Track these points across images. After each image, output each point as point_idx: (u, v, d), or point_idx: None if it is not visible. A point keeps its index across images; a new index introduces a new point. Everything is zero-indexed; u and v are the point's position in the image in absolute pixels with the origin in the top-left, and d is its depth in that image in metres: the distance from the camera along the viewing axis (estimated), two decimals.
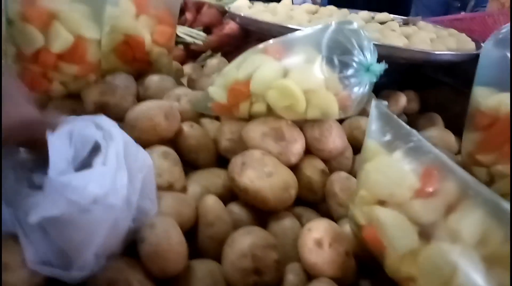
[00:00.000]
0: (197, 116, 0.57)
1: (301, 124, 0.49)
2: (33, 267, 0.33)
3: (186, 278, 0.36)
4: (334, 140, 0.49)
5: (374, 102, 0.38)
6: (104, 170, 0.34)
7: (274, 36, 0.52)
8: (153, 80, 0.60)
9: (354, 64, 0.44)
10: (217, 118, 0.59)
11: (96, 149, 0.37)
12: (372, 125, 0.37)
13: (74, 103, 0.53)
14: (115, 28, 0.59)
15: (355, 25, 0.47)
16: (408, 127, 0.36)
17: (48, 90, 0.52)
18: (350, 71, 0.44)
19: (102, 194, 0.32)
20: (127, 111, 0.49)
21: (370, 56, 0.45)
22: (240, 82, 0.49)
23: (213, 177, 0.49)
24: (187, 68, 0.83)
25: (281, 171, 0.44)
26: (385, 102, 0.37)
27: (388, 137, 0.36)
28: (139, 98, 0.58)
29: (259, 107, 0.49)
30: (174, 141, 0.50)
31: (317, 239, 0.36)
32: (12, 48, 0.50)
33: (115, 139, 0.37)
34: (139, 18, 0.63)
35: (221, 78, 0.52)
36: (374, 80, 0.46)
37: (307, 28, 0.49)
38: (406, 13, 1.18)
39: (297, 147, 0.47)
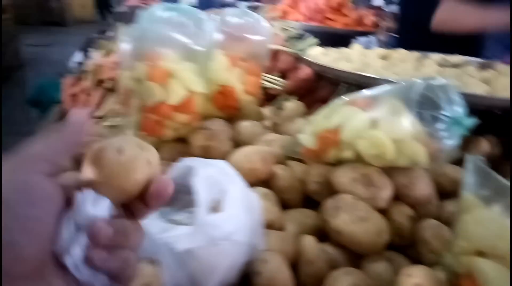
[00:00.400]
0: (285, 159, 0.63)
1: (390, 171, 0.53)
2: None
3: None
4: (422, 187, 0.51)
5: (469, 157, 0.40)
6: (233, 212, 0.40)
7: (350, 83, 0.57)
8: (245, 125, 0.67)
9: (444, 118, 0.47)
10: (302, 161, 0.64)
11: (223, 192, 0.44)
12: (468, 178, 0.39)
13: (182, 146, 0.61)
14: (212, 79, 0.68)
15: (442, 80, 0.50)
16: (505, 181, 0.38)
17: (161, 135, 0.60)
18: (439, 125, 0.48)
19: (231, 232, 0.38)
20: (226, 153, 0.56)
21: (459, 110, 0.48)
22: (330, 130, 0.54)
23: (304, 218, 0.53)
24: (266, 111, 0.90)
25: (374, 216, 0.47)
26: (481, 157, 0.40)
27: (485, 191, 0.38)
28: (233, 142, 0.65)
29: (347, 154, 0.53)
30: (267, 183, 0.56)
31: (418, 284, 0.38)
32: (137, 101, 0.60)
33: (237, 183, 0.44)
34: (231, 70, 0.71)
35: (310, 126, 0.57)
36: (465, 133, 0.48)
37: (394, 83, 0.54)
38: (480, 53, 1.17)
39: (386, 192, 0.50)
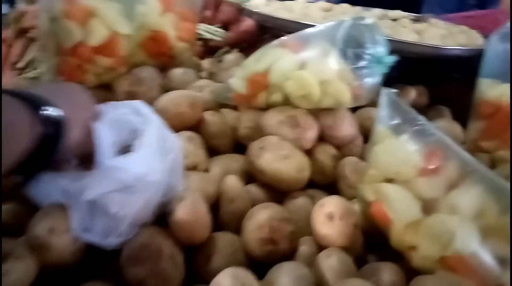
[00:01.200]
0: (217, 106, 0.61)
1: (316, 113, 0.53)
2: (77, 234, 0.37)
3: (209, 246, 0.40)
4: (346, 128, 0.53)
5: (384, 90, 0.41)
6: (144, 153, 0.38)
7: (290, 32, 0.56)
8: (177, 73, 0.64)
9: (367, 57, 0.48)
10: (234, 108, 0.63)
11: (135, 132, 0.42)
12: (382, 111, 0.41)
13: (106, 92, 0.58)
14: (143, 24, 0.64)
15: (368, 20, 0.50)
16: (414, 112, 0.39)
17: (83, 80, 0.56)
18: (362, 63, 0.48)
19: (142, 174, 0.37)
20: (153, 100, 0.54)
21: (382, 49, 0.48)
22: (259, 73, 0.53)
23: (232, 161, 0.53)
24: (206, 63, 0.87)
25: (296, 155, 0.47)
26: (395, 90, 0.41)
27: (395, 121, 0.39)
28: (164, 90, 0.63)
29: (276, 97, 0.53)
30: (197, 128, 0.55)
31: (329, 212, 0.39)
32: (53, 42, 0.55)
33: (152, 124, 0.42)
34: (164, 15, 0.67)
35: (241, 70, 0.56)
36: (385, 71, 0.49)
37: (323, 24, 0.53)
38: (418, 11, 1.20)
39: (311, 133, 0.51)
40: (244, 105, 0.57)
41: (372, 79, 0.49)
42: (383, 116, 0.41)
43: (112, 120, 0.41)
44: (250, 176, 0.50)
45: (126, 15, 0.59)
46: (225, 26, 0.95)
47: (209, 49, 0.92)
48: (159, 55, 0.67)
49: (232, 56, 0.85)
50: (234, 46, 0.93)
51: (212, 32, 0.90)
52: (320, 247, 0.41)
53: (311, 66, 0.51)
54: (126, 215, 0.38)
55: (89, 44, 0.54)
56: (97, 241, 0.38)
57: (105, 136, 0.38)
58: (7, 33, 0.90)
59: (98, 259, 0.39)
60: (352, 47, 0.49)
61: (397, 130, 0.39)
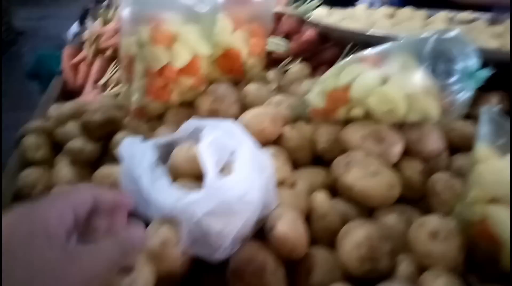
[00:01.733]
0: (293, 120, 0.62)
1: (400, 127, 0.52)
2: (186, 246, 0.40)
3: (307, 262, 0.41)
4: (433, 142, 0.51)
5: (484, 107, 0.40)
6: (243, 173, 0.40)
7: (357, 43, 0.55)
8: (252, 89, 0.66)
9: (457, 72, 0.47)
10: (308, 121, 0.64)
11: (231, 153, 0.44)
12: (483, 129, 0.39)
13: (189, 110, 0.61)
14: (217, 43, 0.67)
15: (455, 32, 0.49)
16: None
17: (167, 99, 0.60)
18: (453, 79, 0.47)
19: (243, 193, 0.39)
20: (233, 116, 0.56)
21: (473, 62, 0.47)
22: (339, 89, 0.53)
23: (314, 176, 0.54)
24: (271, 74, 0.88)
25: (385, 171, 0.47)
26: (496, 107, 0.39)
27: (500, 141, 0.38)
28: (240, 105, 0.65)
29: (357, 112, 0.53)
30: (276, 144, 0.56)
31: (432, 231, 0.39)
32: (141, 65, 0.59)
33: (245, 144, 0.44)
34: (235, 33, 0.70)
35: (319, 85, 0.57)
36: (479, 86, 0.47)
37: (405, 38, 0.52)
38: (489, 9, 1.13)
39: (397, 148, 0.50)
40: (322, 119, 0.57)
41: (464, 94, 0.48)
42: (484, 135, 0.39)
43: (211, 142, 0.44)
44: (333, 189, 0.51)
45: (205, 36, 0.62)
46: (287, 37, 0.97)
47: (273, 61, 0.94)
48: (232, 71, 0.70)
49: (296, 67, 0.86)
50: (297, 56, 0.94)
51: (275, 43, 0.91)
52: (420, 266, 0.40)
53: (394, 81, 0.50)
54: (229, 232, 0.40)
55: (174, 66, 0.58)
56: (203, 255, 0.40)
57: (209, 158, 0.41)
58: (86, 53, 0.98)
59: (202, 272, 0.42)
60: (440, 62, 0.48)
61: (501, 150, 0.38)
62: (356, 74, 0.52)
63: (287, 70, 0.88)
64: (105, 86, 0.85)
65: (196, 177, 0.47)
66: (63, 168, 0.60)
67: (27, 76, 1.41)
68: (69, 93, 0.94)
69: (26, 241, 0.23)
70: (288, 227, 0.39)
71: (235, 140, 0.44)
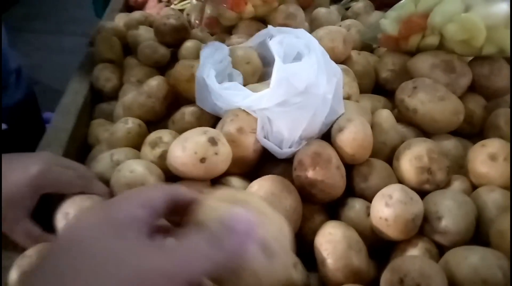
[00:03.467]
0: (359, 48, 0.63)
1: (471, 60, 0.52)
2: (259, 138, 0.43)
3: (366, 167, 0.43)
4: (503, 79, 0.51)
5: None
6: (311, 64, 0.42)
7: None
8: (322, 11, 0.66)
9: None
10: (372, 52, 0.64)
11: (297, 56, 0.46)
12: None
13: (259, 24, 0.62)
14: None
15: None
16: None
17: (243, 10, 0.61)
18: None
19: (311, 82, 0.41)
20: None
21: None
22: (418, 14, 0.53)
23: (377, 100, 0.55)
24: (332, 7, 0.87)
25: (452, 97, 0.48)
26: None
27: None
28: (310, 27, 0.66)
29: (431, 40, 0.53)
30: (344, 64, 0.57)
31: (492, 153, 0.41)
32: None
33: (315, 48, 0.45)
34: None
35: (396, 11, 0.56)
36: None
37: None
38: None
39: (465, 81, 0.51)
40: (392, 47, 0.58)
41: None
42: None
43: (280, 40, 0.46)
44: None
45: None
46: None
47: None
48: None
49: (360, 4, 0.84)
50: None
51: None
52: (474, 186, 0.42)
53: (477, 9, 0.49)
54: (297, 128, 0.43)
55: None
56: (272, 148, 0.44)
57: (279, 49, 0.43)
58: None
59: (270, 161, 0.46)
60: None
61: None
62: (438, 0, 0.51)
63: (348, 7, 0.87)
64: (168, 2, 0.87)
65: None
66: (135, 68, 0.64)
67: None
68: (132, 7, 0.96)
69: (111, 234, 0.20)
70: (358, 129, 0.41)
71: (307, 44, 0.46)
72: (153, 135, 0.46)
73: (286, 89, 0.41)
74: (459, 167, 0.46)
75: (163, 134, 0.45)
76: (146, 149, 0.45)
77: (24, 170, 0.37)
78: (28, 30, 2.13)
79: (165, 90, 0.51)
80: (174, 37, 0.64)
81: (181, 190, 0.25)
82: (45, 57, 1.92)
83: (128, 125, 0.50)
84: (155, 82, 0.51)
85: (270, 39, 0.46)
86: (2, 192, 0.35)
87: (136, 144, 0.48)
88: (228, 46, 0.54)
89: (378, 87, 0.60)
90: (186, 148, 0.39)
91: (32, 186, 0.37)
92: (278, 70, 0.41)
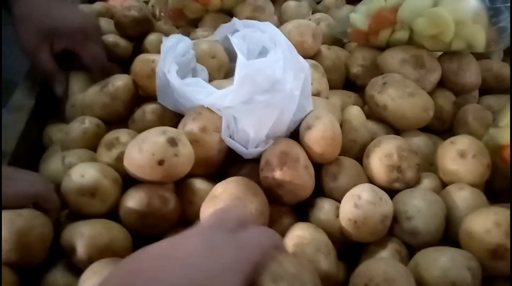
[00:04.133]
0: (329, 42, 0.61)
1: (440, 56, 0.52)
2: (223, 137, 0.41)
3: (335, 166, 0.42)
4: (471, 75, 0.51)
5: None
6: (276, 59, 0.40)
7: None
8: (291, 5, 0.64)
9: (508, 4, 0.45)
10: (342, 47, 0.63)
11: (263, 51, 0.44)
12: None
13: (226, 17, 0.60)
14: None
15: None
16: None
17: (208, 3, 0.58)
18: (502, 4, 0.46)
19: (277, 80, 0.39)
20: None
21: None
22: (388, 8, 0.52)
23: (347, 96, 0.54)
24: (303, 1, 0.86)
25: (422, 93, 0.47)
26: None
27: None
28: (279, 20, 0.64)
29: (401, 35, 0.52)
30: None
31: (461, 149, 0.40)
32: None
33: (281, 42, 0.43)
34: None
35: (365, 5, 0.55)
36: None
37: None
38: None
39: (435, 76, 0.50)
40: (361, 42, 0.56)
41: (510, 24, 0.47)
42: None
43: (243, 36, 0.43)
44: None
45: None
46: None
47: None
48: None
49: None
50: None
51: None
52: (444, 183, 0.42)
53: (445, 4, 0.49)
54: (264, 126, 0.41)
55: None
56: (238, 148, 0.41)
57: (242, 45, 0.40)
58: None
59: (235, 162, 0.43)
60: None
61: None
62: None
63: (320, 1, 0.85)
64: None
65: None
66: None
67: None
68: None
69: None
70: (327, 127, 0.40)
71: (272, 38, 0.44)
72: (110, 135, 0.42)
73: (251, 87, 0.39)
74: (429, 164, 0.46)
75: (121, 134, 0.42)
76: (101, 151, 0.41)
77: None
78: None
79: (132, 92, 0.48)
80: (136, 30, 0.60)
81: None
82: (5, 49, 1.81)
83: (84, 125, 0.46)
84: (121, 83, 0.47)
85: (232, 34, 0.43)
86: None
87: (93, 145, 0.45)
88: (192, 39, 0.52)
89: (348, 83, 0.58)
90: (143, 149, 0.36)
91: None
92: (241, 67, 0.39)
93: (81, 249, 0.33)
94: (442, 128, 0.52)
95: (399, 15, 0.50)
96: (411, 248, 0.37)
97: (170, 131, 0.37)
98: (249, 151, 0.41)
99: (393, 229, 0.37)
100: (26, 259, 0.33)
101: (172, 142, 0.36)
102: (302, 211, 0.42)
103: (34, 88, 0.58)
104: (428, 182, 0.42)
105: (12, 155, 0.47)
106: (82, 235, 0.34)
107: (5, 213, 0.33)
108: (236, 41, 0.43)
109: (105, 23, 0.64)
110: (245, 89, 0.39)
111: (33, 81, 0.59)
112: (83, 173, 0.36)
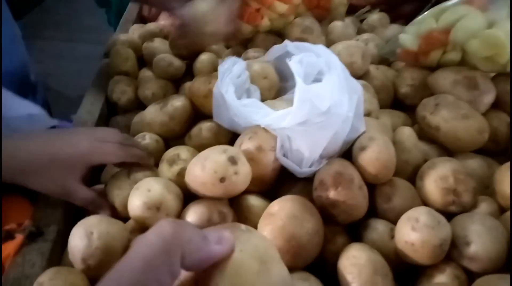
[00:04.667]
0: (376, 62, 0.62)
1: (494, 77, 0.51)
2: (278, 156, 0.42)
3: (390, 187, 0.42)
4: None
5: None
6: (332, 83, 0.41)
7: None
8: (338, 25, 0.65)
9: None
10: (389, 66, 0.63)
11: (319, 75, 0.45)
12: None
13: (275, 38, 0.62)
14: None
15: None
16: None
17: (258, 24, 0.61)
18: None
19: (334, 103, 0.40)
20: None
21: None
22: (439, 29, 0.52)
23: (396, 116, 0.54)
24: (347, 20, 0.87)
25: (476, 115, 0.47)
26: None
27: None
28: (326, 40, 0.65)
29: (453, 56, 0.52)
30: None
31: None
32: None
33: (337, 65, 0.45)
34: None
35: (415, 26, 0.55)
36: None
37: None
38: None
39: (489, 98, 0.50)
40: (411, 62, 0.57)
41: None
42: None
43: (301, 60, 0.45)
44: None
45: None
46: None
47: (350, 7, 0.91)
48: (317, 8, 0.69)
49: (375, 16, 0.83)
50: (375, 6, 0.91)
51: None
52: (502, 208, 0.41)
53: (500, 26, 0.48)
54: (318, 147, 0.42)
55: None
56: (292, 167, 0.43)
57: (299, 69, 0.42)
58: None
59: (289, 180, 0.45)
60: None
61: None
62: (460, 16, 0.50)
63: (363, 19, 0.86)
64: None
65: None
66: (150, 80, 0.63)
67: (97, 2, 1.43)
68: (146, 18, 0.96)
69: None
70: (381, 148, 0.40)
71: (327, 62, 0.45)
72: (171, 152, 0.45)
73: (309, 110, 0.40)
74: (485, 187, 0.45)
75: (181, 151, 0.45)
76: (164, 167, 0.44)
77: (73, 146, 0.42)
78: (41, 37, 2.16)
79: (189, 113, 0.51)
80: (189, 50, 0.63)
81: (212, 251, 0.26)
82: (58, 64, 1.93)
83: (145, 141, 0.49)
84: (179, 103, 0.51)
85: (290, 59, 0.45)
86: (51, 159, 0.41)
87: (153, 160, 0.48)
88: (244, 60, 0.54)
89: (396, 102, 0.59)
90: (205, 167, 0.38)
91: (82, 161, 0.42)
92: (300, 91, 0.40)
93: None
94: (497, 150, 0.51)
95: (452, 36, 0.50)
96: (469, 274, 0.37)
97: (230, 150, 0.39)
98: (303, 170, 0.42)
99: (451, 253, 0.37)
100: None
101: (233, 160, 0.38)
102: (354, 231, 0.42)
103: (96, 104, 0.62)
104: (485, 206, 0.41)
105: None
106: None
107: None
108: (293, 66, 0.44)
109: (159, 44, 0.68)
110: (303, 112, 0.41)
111: (94, 97, 0.64)
112: (149, 188, 0.39)
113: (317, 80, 0.46)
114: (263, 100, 0.50)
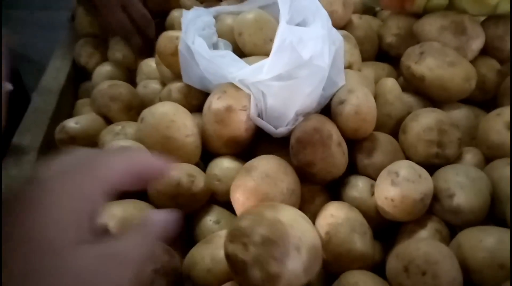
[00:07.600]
0: (360, 11, 0.58)
1: (483, 21, 0.48)
2: (252, 116, 0.40)
3: (370, 142, 0.40)
4: None
5: None
6: (317, 33, 0.37)
7: None
8: None
9: None
10: (374, 16, 0.59)
11: (303, 23, 0.41)
12: None
13: None
14: None
15: None
16: None
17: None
18: None
19: (315, 54, 0.36)
20: None
21: None
22: None
23: (380, 68, 0.51)
24: None
25: (463, 62, 0.44)
26: None
27: None
28: None
29: (440, 0, 0.48)
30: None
31: (508, 122, 0.37)
32: None
33: (321, 14, 0.41)
34: None
35: None
36: None
37: None
38: None
39: (477, 43, 0.46)
40: (396, 9, 0.53)
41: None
42: None
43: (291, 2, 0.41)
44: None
45: None
46: None
47: None
48: None
49: None
50: None
51: None
52: (488, 159, 0.39)
53: None
54: (294, 103, 0.39)
55: None
56: (267, 127, 0.40)
57: (285, 8, 0.38)
58: None
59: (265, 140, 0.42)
60: None
61: None
62: None
63: None
64: None
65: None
66: (120, 42, 0.59)
67: None
68: None
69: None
70: (361, 101, 0.38)
71: (314, 11, 0.41)
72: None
73: (289, 59, 0.36)
74: (471, 138, 0.43)
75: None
76: None
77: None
78: (17, 7, 2.05)
79: None
80: (160, 5, 0.59)
81: (143, 160, 0.22)
82: (35, 33, 1.84)
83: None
84: None
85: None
86: None
87: None
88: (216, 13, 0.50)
89: (381, 54, 0.55)
90: None
91: None
92: (282, 31, 0.36)
93: (114, 230, 0.34)
94: (485, 99, 0.48)
95: None
96: (452, 228, 0.35)
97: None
98: (278, 131, 0.40)
99: (433, 207, 0.35)
100: None
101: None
102: (334, 190, 0.40)
103: (62, 70, 0.59)
104: (470, 157, 0.39)
105: (44, 137, 0.48)
106: (115, 216, 0.34)
107: None
108: (282, 3, 0.39)
109: None
110: (284, 57, 0.36)
111: (60, 63, 0.60)
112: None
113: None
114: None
